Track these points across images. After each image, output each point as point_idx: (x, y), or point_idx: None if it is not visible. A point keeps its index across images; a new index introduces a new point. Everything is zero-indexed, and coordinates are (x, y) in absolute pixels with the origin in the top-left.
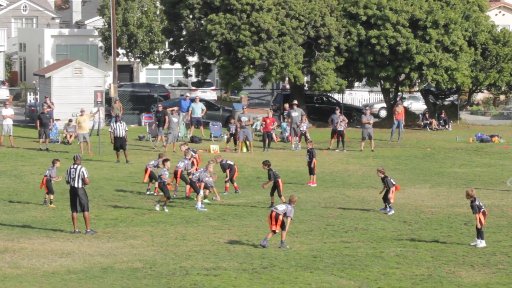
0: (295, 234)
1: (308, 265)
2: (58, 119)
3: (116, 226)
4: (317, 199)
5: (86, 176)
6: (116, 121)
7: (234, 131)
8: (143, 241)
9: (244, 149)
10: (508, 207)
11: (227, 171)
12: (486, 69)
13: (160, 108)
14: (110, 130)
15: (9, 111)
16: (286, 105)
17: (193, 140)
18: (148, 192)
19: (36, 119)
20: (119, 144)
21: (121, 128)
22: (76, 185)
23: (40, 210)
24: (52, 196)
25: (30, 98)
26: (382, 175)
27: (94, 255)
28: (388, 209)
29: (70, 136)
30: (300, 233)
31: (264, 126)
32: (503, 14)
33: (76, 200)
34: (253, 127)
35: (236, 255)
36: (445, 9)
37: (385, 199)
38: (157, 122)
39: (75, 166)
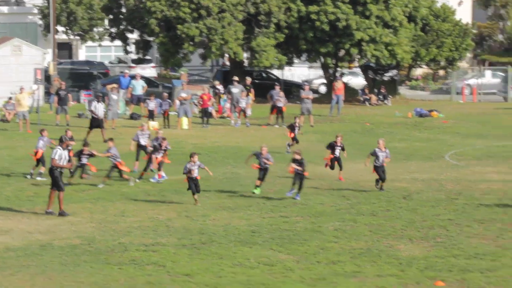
0: (234, 209)
1: (247, 240)
2: None
3: (55, 203)
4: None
5: (52, 156)
6: (98, 101)
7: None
8: (82, 218)
9: (184, 126)
10: (446, 181)
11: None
12: (427, 44)
13: None
14: (91, 108)
15: None
16: (217, 82)
17: (132, 117)
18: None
19: None
20: (96, 124)
21: (101, 108)
22: (51, 165)
23: None
24: (43, 169)
25: None
26: (299, 157)
27: (33, 232)
28: (291, 190)
29: (9, 113)
30: (239, 208)
31: (201, 103)
32: None
33: (53, 180)
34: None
35: (175, 231)
36: None
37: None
38: None
39: (57, 146)
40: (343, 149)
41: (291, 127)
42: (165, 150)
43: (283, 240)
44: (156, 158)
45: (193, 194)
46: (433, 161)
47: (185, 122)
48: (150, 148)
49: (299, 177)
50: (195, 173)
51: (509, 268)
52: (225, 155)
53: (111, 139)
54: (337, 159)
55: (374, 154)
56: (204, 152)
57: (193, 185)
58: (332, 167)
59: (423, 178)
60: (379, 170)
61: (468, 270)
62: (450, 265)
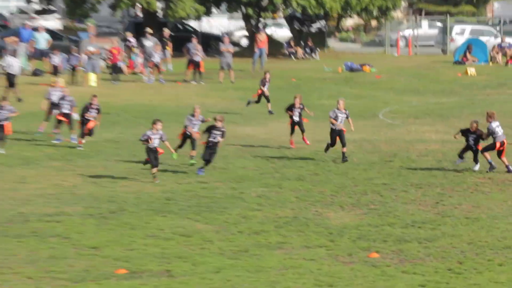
0: (146, 175)
1: (161, 209)
2: None
3: None
4: (171, 135)
5: None
6: (14, 56)
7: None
8: None
9: (92, 82)
10: (380, 141)
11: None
12: None
13: None
14: (3, 64)
15: None
16: (128, 34)
17: (35, 73)
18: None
19: None
20: (13, 80)
21: (16, 64)
22: None
23: None
24: None
25: None
26: (221, 125)
27: None
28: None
29: None
30: None
31: (111, 57)
32: None
33: None
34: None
35: (81, 199)
36: None
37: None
38: None
39: None
40: (303, 109)
41: (262, 83)
42: (98, 110)
43: (201, 209)
44: (94, 121)
45: (152, 167)
46: (365, 119)
47: (92, 78)
48: (56, 111)
49: (212, 150)
50: (155, 143)
51: (449, 237)
52: (137, 115)
53: (4, 98)
54: (298, 123)
55: (334, 115)
56: (114, 111)
57: (153, 157)
58: (292, 131)
59: (355, 139)
60: (333, 134)
61: (405, 240)
62: (385, 234)
